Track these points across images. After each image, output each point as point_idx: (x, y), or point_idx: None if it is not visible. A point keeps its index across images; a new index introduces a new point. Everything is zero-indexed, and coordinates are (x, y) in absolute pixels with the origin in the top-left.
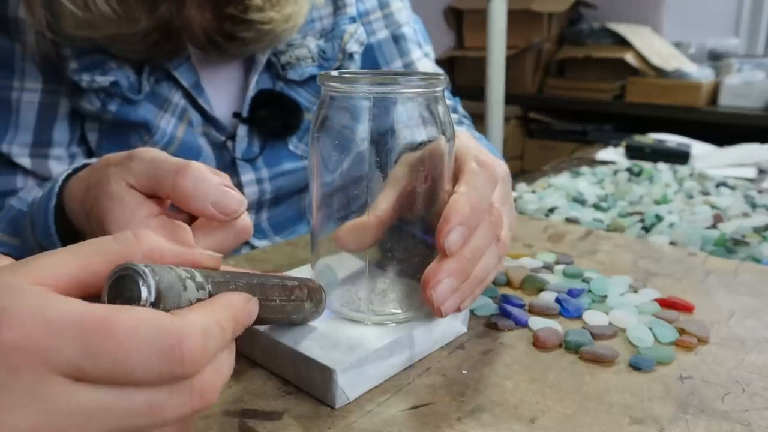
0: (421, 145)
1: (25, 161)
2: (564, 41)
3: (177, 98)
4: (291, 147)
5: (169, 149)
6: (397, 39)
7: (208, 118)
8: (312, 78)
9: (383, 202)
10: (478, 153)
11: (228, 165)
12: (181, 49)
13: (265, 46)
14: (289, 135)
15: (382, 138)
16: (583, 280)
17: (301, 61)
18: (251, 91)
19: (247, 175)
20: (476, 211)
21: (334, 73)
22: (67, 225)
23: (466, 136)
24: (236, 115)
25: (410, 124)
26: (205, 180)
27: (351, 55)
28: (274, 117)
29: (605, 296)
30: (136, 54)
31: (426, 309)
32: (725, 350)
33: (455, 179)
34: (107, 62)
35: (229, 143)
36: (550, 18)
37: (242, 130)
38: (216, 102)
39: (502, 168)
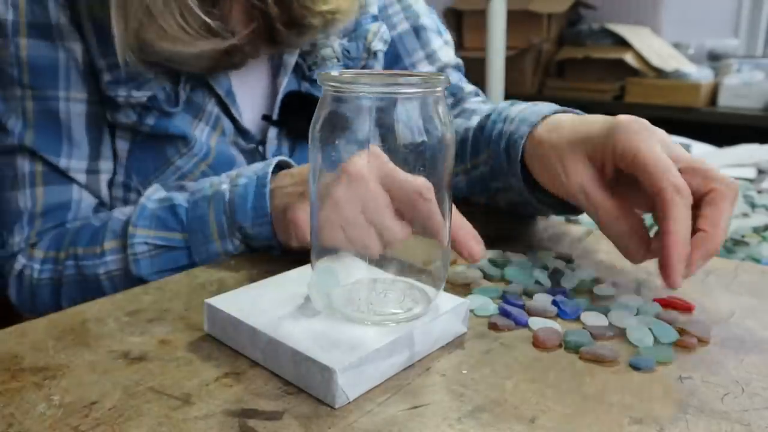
0: (422, 145)
1: (81, 177)
2: (563, 42)
3: (210, 106)
4: None
5: (207, 161)
6: (417, 30)
7: (238, 127)
8: None
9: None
10: (667, 167)
11: None
12: (245, 60)
13: (325, 34)
14: None
15: (382, 138)
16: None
17: (327, 60)
18: (281, 94)
19: None
20: (686, 244)
21: (335, 72)
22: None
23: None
24: (266, 117)
25: (411, 125)
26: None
27: (375, 54)
28: (302, 118)
29: (603, 295)
30: (202, 69)
31: (426, 309)
32: (725, 350)
33: (651, 201)
34: (141, 74)
35: (261, 148)
36: (549, 19)
37: (272, 133)
38: (244, 108)
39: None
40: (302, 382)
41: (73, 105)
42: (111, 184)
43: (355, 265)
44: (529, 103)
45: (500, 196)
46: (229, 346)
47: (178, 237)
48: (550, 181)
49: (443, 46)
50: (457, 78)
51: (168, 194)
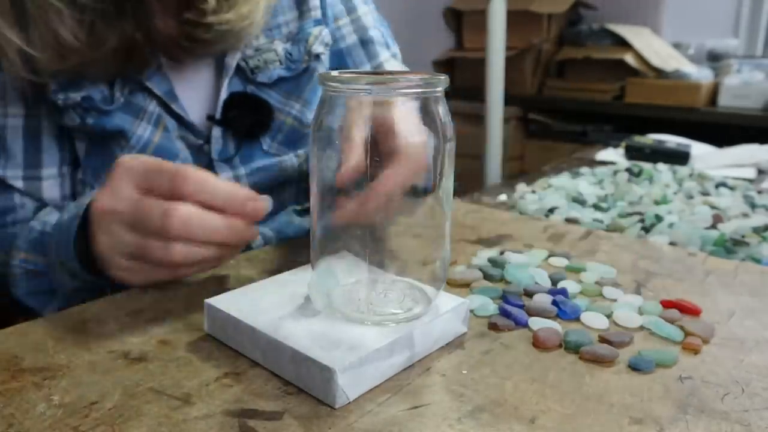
0: (421, 145)
1: (19, 184)
2: (563, 42)
3: (152, 107)
4: (265, 146)
5: (146, 152)
6: (365, 43)
7: (184, 124)
8: (281, 80)
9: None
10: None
11: (206, 166)
12: (149, 61)
13: (230, 46)
14: (262, 134)
15: (381, 138)
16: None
17: (269, 64)
18: (223, 94)
19: (225, 174)
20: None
21: (335, 73)
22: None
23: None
24: (210, 117)
25: (409, 125)
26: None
27: (318, 56)
28: (245, 117)
29: (598, 293)
30: (109, 74)
31: (426, 309)
32: (725, 350)
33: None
34: (81, 81)
35: (206, 147)
36: (549, 19)
37: (217, 132)
38: (190, 107)
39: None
40: (302, 382)
41: (10, 120)
42: (74, 183)
43: (355, 265)
44: None
45: None
46: (229, 346)
47: (42, 262)
48: None
49: (390, 59)
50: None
51: (47, 218)
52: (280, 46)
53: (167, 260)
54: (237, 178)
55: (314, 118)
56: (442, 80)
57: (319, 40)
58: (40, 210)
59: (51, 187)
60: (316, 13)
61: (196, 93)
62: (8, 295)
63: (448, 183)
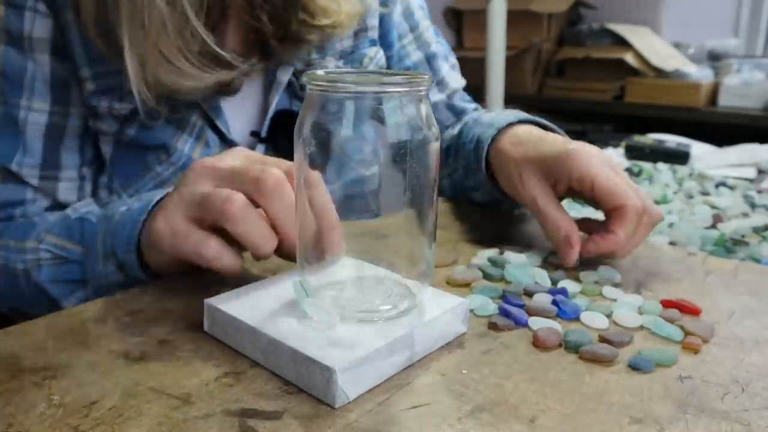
0: (406, 143)
1: (35, 181)
2: (563, 42)
3: (195, 118)
4: None
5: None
6: (429, 59)
7: (225, 140)
8: None
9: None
10: (626, 187)
11: None
12: (240, 86)
13: (314, 50)
14: None
15: (366, 137)
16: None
17: None
18: (271, 111)
19: None
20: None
21: (320, 72)
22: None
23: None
24: (254, 134)
25: (395, 123)
26: None
27: None
28: (291, 137)
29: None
30: (205, 96)
31: (413, 304)
32: (725, 350)
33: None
34: (125, 85)
35: None
36: (549, 18)
37: (260, 150)
38: (233, 123)
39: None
40: (302, 382)
41: (32, 114)
42: (97, 186)
43: (341, 262)
44: (501, 110)
45: (475, 194)
46: (229, 346)
47: (77, 250)
48: (508, 187)
49: (450, 71)
50: (462, 99)
51: (88, 209)
52: (332, 64)
53: (227, 208)
54: None
55: (299, 117)
56: (426, 79)
57: (374, 62)
58: (51, 210)
59: (68, 189)
60: (373, 33)
61: (241, 107)
62: (12, 285)
63: (434, 180)
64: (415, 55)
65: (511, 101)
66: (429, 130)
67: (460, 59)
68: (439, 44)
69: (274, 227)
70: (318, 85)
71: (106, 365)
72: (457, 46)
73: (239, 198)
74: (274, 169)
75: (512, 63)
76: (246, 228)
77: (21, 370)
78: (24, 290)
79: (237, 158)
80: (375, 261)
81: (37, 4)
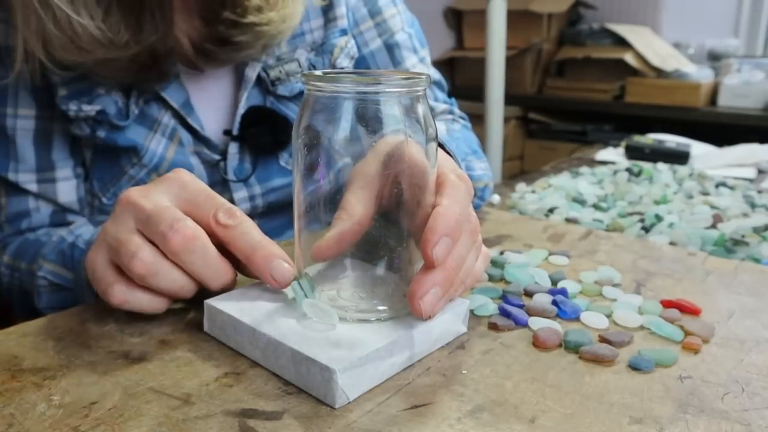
0: (403, 144)
1: (33, 187)
2: (563, 42)
3: (167, 119)
4: (282, 162)
5: (158, 171)
6: (390, 48)
7: (199, 138)
8: (302, 93)
9: (358, 207)
10: (454, 167)
11: (220, 182)
12: (169, 72)
13: (257, 52)
14: (280, 151)
15: (364, 137)
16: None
17: (290, 76)
18: (241, 108)
19: (240, 193)
20: (459, 223)
21: (318, 72)
22: None
23: (441, 152)
24: (227, 132)
25: (392, 124)
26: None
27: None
28: (264, 133)
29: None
30: (123, 80)
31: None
32: (725, 350)
33: (436, 191)
34: (95, 89)
35: (222, 163)
36: (549, 18)
37: (233, 148)
38: (206, 120)
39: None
40: (302, 382)
41: (21, 121)
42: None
43: (341, 262)
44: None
45: None
46: (229, 346)
47: (70, 277)
48: None
49: (417, 64)
50: (431, 96)
51: (81, 230)
52: (303, 56)
53: (132, 266)
54: (252, 198)
55: (297, 118)
56: (424, 79)
57: (345, 52)
58: (56, 215)
59: (66, 189)
60: (343, 22)
61: (213, 105)
62: (30, 305)
63: (431, 181)
64: (374, 44)
65: (511, 101)
66: (426, 131)
67: (460, 59)
68: (407, 34)
69: (192, 277)
70: (315, 85)
71: (106, 365)
72: (457, 46)
73: (143, 256)
74: (189, 222)
75: (512, 63)
76: (152, 282)
77: (21, 370)
78: (36, 306)
79: (165, 194)
80: (375, 261)
81: (7, 15)
